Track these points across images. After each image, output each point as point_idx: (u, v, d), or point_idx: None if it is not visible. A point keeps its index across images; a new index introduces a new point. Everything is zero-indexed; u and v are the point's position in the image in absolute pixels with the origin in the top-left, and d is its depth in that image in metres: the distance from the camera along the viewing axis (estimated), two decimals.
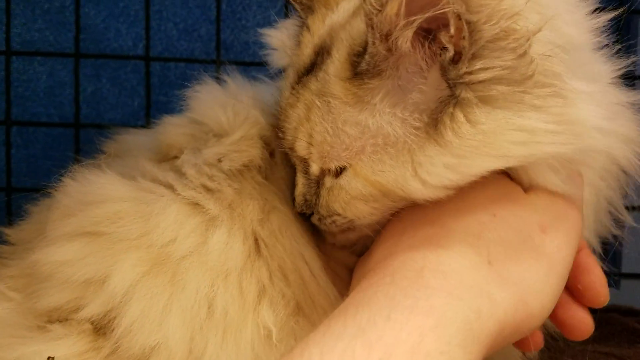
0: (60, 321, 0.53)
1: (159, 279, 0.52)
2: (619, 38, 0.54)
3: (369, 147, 0.48)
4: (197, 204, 0.55)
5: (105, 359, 0.51)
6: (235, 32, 0.99)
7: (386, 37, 0.43)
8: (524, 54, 0.43)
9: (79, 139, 0.94)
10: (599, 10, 0.52)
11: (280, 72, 0.63)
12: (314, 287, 0.55)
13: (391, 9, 0.41)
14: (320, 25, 0.53)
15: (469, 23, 0.42)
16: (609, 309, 0.92)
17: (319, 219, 0.55)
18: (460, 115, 0.44)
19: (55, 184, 0.59)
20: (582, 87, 0.46)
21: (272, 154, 0.60)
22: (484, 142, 0.44)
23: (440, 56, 0.44)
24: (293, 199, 0.57)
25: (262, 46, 0.98)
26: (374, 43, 0.44)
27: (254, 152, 0.58)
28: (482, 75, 0.43)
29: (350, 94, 0.47)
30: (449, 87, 0.45)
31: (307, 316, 0.54)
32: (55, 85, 0.98)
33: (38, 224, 0.60)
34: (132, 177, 0.58)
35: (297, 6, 0.57)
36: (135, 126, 0.92)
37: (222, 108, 0.61)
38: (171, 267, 0.53)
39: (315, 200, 0.54)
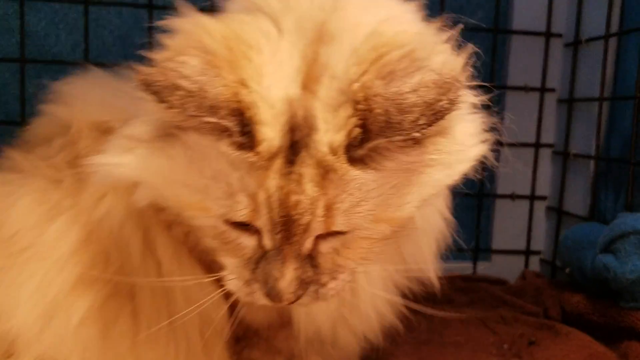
0: None
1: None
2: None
3: (388, 192, 0.49)
4: (45, 193, 0.60)
5: None
6: None
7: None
8: None
9: None
10: None
11: None
12: (137, 260, 0.59)
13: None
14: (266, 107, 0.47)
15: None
16: (480, 279, 1.09)
17: (316, 290, 0.51)
18: None
19: None
20: None
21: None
22: None
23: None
24: (272, 294, 0.49)
25: None
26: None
27: (84, 143, 0.62)
28: None
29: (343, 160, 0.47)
30: None
31: (120, 298, 0.59)
32: None
33: None
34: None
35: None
36: None
37: (64, 102, 0.65)
38: (14, 260, 0.58)
39: (313, 273, 0.51)
